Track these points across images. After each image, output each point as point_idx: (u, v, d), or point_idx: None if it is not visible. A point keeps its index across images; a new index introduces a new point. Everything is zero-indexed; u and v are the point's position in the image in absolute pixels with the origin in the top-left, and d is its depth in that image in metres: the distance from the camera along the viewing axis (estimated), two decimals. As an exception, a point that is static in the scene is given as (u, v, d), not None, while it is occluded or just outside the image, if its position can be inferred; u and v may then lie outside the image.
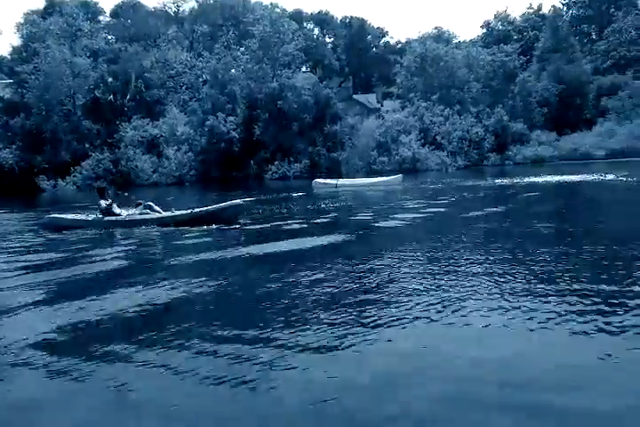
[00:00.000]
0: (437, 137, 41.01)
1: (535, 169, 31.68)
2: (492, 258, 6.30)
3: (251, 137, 38.31)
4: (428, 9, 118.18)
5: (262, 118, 38.84)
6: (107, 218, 11.93)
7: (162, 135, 37.74)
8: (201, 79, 43.94)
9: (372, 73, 66.15)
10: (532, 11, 63.73)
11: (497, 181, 23.37)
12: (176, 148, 37.48)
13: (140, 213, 12.11)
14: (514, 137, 42.43)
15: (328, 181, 26.11)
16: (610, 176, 20.98)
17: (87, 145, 36.90)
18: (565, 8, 63.67)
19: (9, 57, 52.67)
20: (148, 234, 11.01)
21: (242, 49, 45.16)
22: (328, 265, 6.44)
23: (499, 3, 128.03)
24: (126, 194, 13.57)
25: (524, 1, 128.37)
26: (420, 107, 43.03)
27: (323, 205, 15.81)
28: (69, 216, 12.51)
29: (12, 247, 10.24)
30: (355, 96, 54.46)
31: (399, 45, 66.87)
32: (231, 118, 38.53)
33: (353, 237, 8.69)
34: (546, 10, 60.44)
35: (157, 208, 12.26)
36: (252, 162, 37.30)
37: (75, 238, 10.73)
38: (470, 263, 6.04)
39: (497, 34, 60.62)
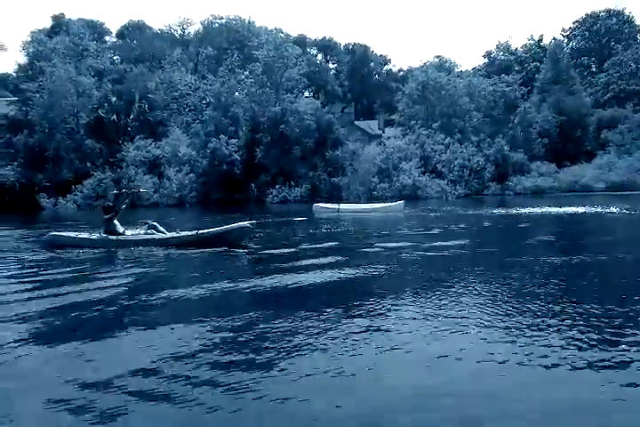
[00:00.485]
0: (438, 165, 41.21)
1: (536, 200, 31.90)
2: (497, 291, 6.62)
3: (252, 160, 38.41)
4: (429, 38, 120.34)
5: (264, 142, 38.99)
6: (110, 237, 11.88)
7: (164, 156, 37.78)
8: (204, 101, 44.23)
9: (374, 100, 66.84)
10: (532, 42, 64.81)
11: (497, 211, 23.41)
12: (177, 169, 37.50)
13: (145, 233, 12.12)
14: (514, 167, 42.65)
15: (329, 205, 26.11)
16: (612, 209, 21.06)
17: (89, 164, 36.86)
18: (566, 40, 64.78)
19: (14, 74, 53.14)
20: (153, 256, 10.91)
21: (246, 72, 45.66)
22: (334, 301, 6.45)
23: (500, 33, 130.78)
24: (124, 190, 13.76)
25: (525, 32, 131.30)
26: (422, 134, 43.34)
27: (325, 231, 15.91)
28: (71, 234, 12.45)
29: (11, 265, 10.19)
30: (356, 122, 54.91)
31: (401, 73, 67.75)
32: (233, 141, 38.66)
33: (358, 269, 8.51)
34: (547, 41, 61.51)
35: (162, 228, 12.30)
36: (252, 185, 37.28)
37: (76, 258, 10.69)
38: (475, 298, 6.21)
39: (498, 64, 61.49)
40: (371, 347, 4.52)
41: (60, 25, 55.35)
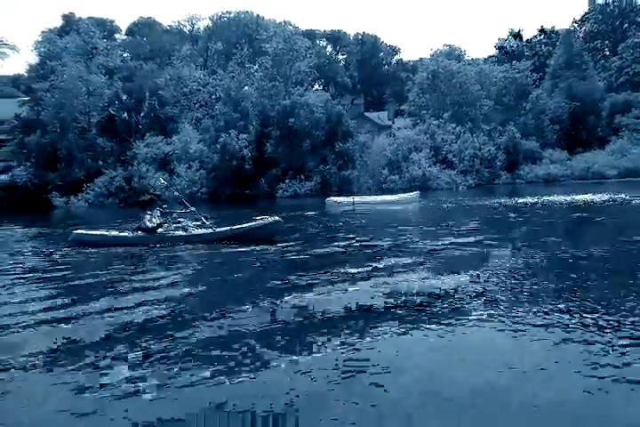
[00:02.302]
0: (449, 155, 40.89)
1: (548, 188, 31.51)
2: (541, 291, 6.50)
3: (262, 155, 38.47)
4: (439, 29, 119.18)
5: (274, 136, 38.99)
6: (142, 234, 11.88)
7: (175, 152, 38.03)
8: (214, 96, 44.31)
9: (384, 90, 66.36)
10: (543, 35, 63.38)
11: (513, 200, 23.11)
12: (187, 165, 37.71)
13: (183, 228, 12.11)
14: (525, 155, 42.11)
15: (343, 199, 25.81)
16: (627, 197, 20.83)
17: (101, 162, 37.26)
18: (577, 24, 63.59)
19: (26, 75, 53.71)
20: (187, 254, 10.95)
21: (255, 66, 45.64)
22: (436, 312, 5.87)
23: (511, 23, 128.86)
24: (165, 206, 13.59)
25: (536, 22, 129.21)
26: (432, 124, 42.98)
27: (351, 225, 16.02)
28: (98, 232, 12.38)
29: (38, 265, 10.42)
30: (366, 113, 54.65)
31: (411, 63, 67.09)
32: (244, 136, 38.73)
33: (423, 272, 8.14)
34: (558, 32, 60.11)
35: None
36: (262, 180, 37.37)
37: (106, 257, 10.83)
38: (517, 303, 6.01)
39: (509, 51, 60.51)
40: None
41: (70, 24, 55.70)
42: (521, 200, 22.64)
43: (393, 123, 52.29)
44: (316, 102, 41.17)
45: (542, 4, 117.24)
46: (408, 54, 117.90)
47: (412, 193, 26.48)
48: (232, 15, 60.58)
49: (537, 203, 20.87)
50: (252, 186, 37.54)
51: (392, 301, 6.32)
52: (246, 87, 42.98)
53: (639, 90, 50.71)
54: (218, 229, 12.12)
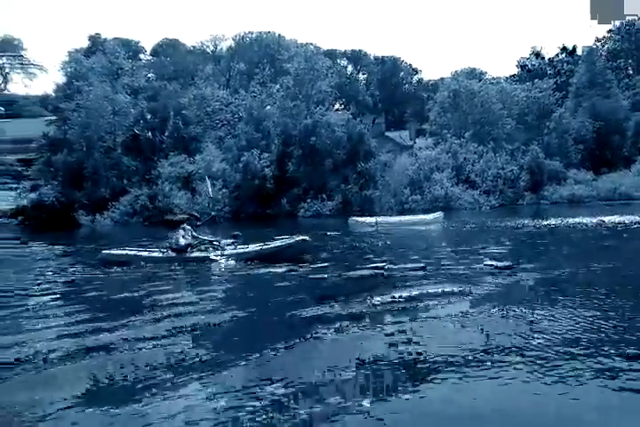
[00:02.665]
0: (471, 175, 40.64)
1: (574, 209, 31.05)
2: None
3: (284, 174, 38.64)
4: (460, 48, 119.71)
5: (296, 155, 39.18)
6: (173, 254, 11.95)
7: (198, 171, 38.39)
8: (237, 116, 44.81)
9: (405, 109, 66.57)
10: (564, 53, 63.17)
11: (539, 221, 22.58)
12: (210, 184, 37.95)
13: (214, 247, 12.15)
14: (550, 175, 41.60)
15: (366, 219, 25.79)
16: None
17: (125, 181, 37.76)
18: (600, 43, 63.24)
19: (53, 94, 54.99)
20: (222, 273, 10.96)
21: (277, 86, 46.11)
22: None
23: (532, 41, 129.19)
24: (199, 223, 13.74)
25: (559, 41, 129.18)
26: (454, 144, 42.85)
27: (372, 246, 15.80)
28: (128, 251, 12.44)
29: (65, 284, 10.53)
30: (387, 133, 54.77)
31: (432, 82, 67.31)
32: (265, 155, 39.01)
33: (479, 297, 7.65)
34: (580, 51, 59.83)
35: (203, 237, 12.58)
36: (284, 199, 37.47)
37: (137, 276, 10.88)
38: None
39: (531, 69, 60.34)
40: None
41: (96, 45, 57.07)
42: (547, 222, 22.14)
43: (414, 142, 52.26)
44: (338, 122, 41.42)
45: (564, 23, 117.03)
46: (429, 74, 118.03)
47: (435, 213, 26.36)
48: (254, 36, 61.61)
49: (564, 224, 20.53)
50: (273, 205, 37.64)
51: (441, 338, 5.75)
52: (268, 107, 43.42)
53: (665, 109, 50.09)
54: (248, 249, 12.06)
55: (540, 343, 5.37)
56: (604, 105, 48.13)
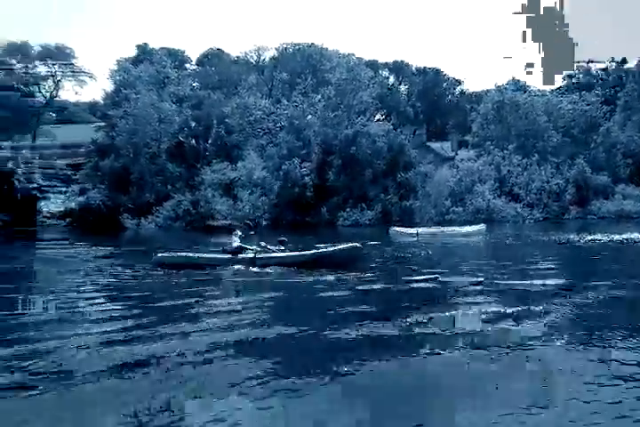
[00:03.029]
0: (514, 188, 39.95)
1: (622, 225, 30.03)
2: None
3: (324, 183, 38.79)
4: (505, 63, 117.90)
5: (336, 164, 39.30)
6: (228, 256, 12.17)
7: (239, 179, 38.87)
8: (278, 125, 45.25)
9: (447, 121, 65.90)
10: (614, 64, 61.72)
11: (587, 236, 21.37)
12: (250, 191, 38.41)
13: (264, 252, 12.26)
14: (597, 190, 40.58)
15: (407, 229, 25.58)
16: None
17: (169, 186, 38.51)
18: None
19: (102, 102, 56.62)
20: (275, 277, 11.02)
21: (318, 96, 46.38)
22: None
23: (579, 55, 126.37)
24: (252, 233, 14.22)
25: (606, 53, 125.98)
26: (497, 156, 42.23)
27: (416, 257, 15.62)
28: (182, 254, 12.65)
29: (119, 285, 10.64)
30: (428, 143, 54.27)
31: (475, 94, 66.55)
32: (306, 164, 39.24)
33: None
34: (631, 64, 58.24)
35: (272, 247, 12.60)
36: (324, 208, 37.53)
37: (190, 278, 10.98)
38: None
39: (578, 83, 59.11)
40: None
41: (144, 54, 58.70)
42: (593, 237, 21.11)
43: (456, 154, 51.67)
44: (378, 132, 41.45)
45: (614, 34, 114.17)
46: (472, 85, 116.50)
47: (477, 226, 26.00)
48: (297, 47, 62.21)
49: (613, 240, 19.72)
50: (312, 213, 37.76)
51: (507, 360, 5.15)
52: (309, 116, 43.71)
53: None
54: (301, 253, 12.30)
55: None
56: (653, 119, 46.73)
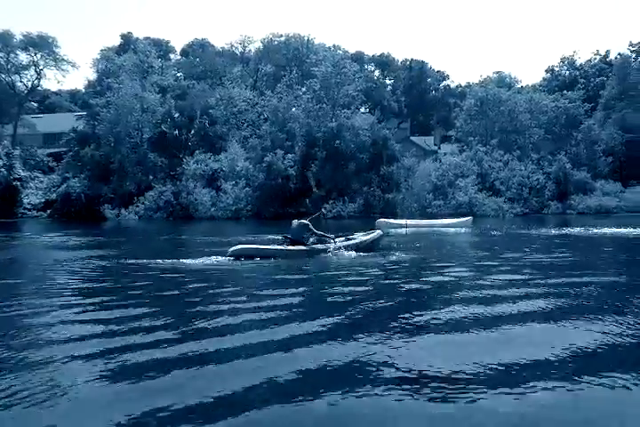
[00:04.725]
0: (496, 182, 40.35)
1: (603, 220, 30.32)
2: None
3: (307, 175, 38.76)
4: (489, 53, 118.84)
5: (319, 157, 39.29)
6: (293, 247, 12.18)
7: (222, 170, 38.71)
8: (262, 117, 45.14)
9: (431, 115, 66.37)
10: (598, 57, 62.68)
11: (569, 230, 21.58)
12: (234, 182, 38.31)
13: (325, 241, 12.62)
14: (577, 186, 41.12)
15: (395, 221, 25.57)
16: None
17: (151, 177, 38.26)
18: (634, 55, 62.23)
19: (83, 90, 56.02)
20: (344, 265, 10.83)
21: (303, 89, 46.33)
22: None
23: (563, 48, 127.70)
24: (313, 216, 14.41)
25: (590, 47, 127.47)
26: (479, 151, 42.61)
27: (418, 249, 15.07)
28: (257, 246, 12.68)
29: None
30: (412, 138, 54.59)
31: (459, 89, 67.03)
32: (289, 156, 39.20)
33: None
34: (613, 57, 59.22)
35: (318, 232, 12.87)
36: (307, 200, 37.56)
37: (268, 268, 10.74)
38: None
39: (562, 79, 59.74)
40: None
41: (127, 43, 58.24)
42: (580, 231, 20.79)
43: (439, 148, 52.07)
44: (362, 125, 41.47)
45: (597, 28, 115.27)
46: (456, 78, 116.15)
47: (464, 218, 26.36)
48: (283, 39, 62.01)
49: (600, 235, 19.64)
50: (295, 205, 37.72)
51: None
52: (294, 109, 43.63)
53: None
54: (362, 240, 13.04)
55: None
56: (634, 118, 47.31)
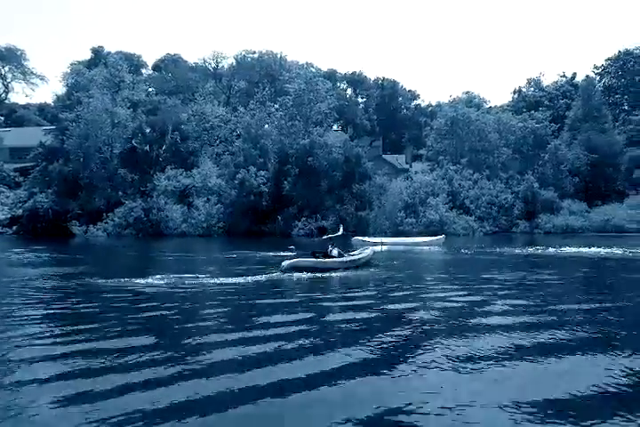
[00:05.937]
0: (466, 201, 40.92)
1: (569, 240, 30.89)
2: None
3: (280, 192, 38.69)
4: (458, 73, 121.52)
5: (292, 174, 39.30)
6: (335, 260, 14.13)
7: (194, 186, 38.35)
8: (235, 133, 45.03)
9: (403, 134, 67.30)
10: (564, 79, 64.59)
11: (539, 249, 21.98)
12: (206, 199, 37.97)
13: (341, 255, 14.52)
14: (544, 205, 41.96)
15: (370, 239, 26.20)
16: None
17: (121, 193, 37.60)
18: (598, 77, 64.43)
19: (52, 104, 55.05)
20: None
21: (276, 106, 46.48)
22: None
23: (530, 70, 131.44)
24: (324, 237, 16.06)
25: (556, 69, 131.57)
26: (449, 170, 43.26)
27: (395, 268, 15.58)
28: (309, 259, 13.97)
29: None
30: (384, 156, 55.12)
31: (430, 108, 68.21)
32: (262, 172, 39.09)
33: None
34: (579, 78, 61.04)
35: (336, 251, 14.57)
36: (279, 217, 37.41)
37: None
38: None
39: (528, 100, 61.34)
40: None
41: (98, 57, 57.64)
42: (551, 250, 21.24)
43: (410, 166, 52.66)
44: (335, 143, 41.72)
45: (562, 51, 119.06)
46: (427, 97, 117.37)
47: (437, 236, 27.11)
48: (256, 55, 62.36)
49: (567, 254, 19.93)
50: (268, 222, 37.59)
51: None
52: (266, 125, 43.68)
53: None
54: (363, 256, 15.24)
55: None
56: (598, 139, 48.69)
